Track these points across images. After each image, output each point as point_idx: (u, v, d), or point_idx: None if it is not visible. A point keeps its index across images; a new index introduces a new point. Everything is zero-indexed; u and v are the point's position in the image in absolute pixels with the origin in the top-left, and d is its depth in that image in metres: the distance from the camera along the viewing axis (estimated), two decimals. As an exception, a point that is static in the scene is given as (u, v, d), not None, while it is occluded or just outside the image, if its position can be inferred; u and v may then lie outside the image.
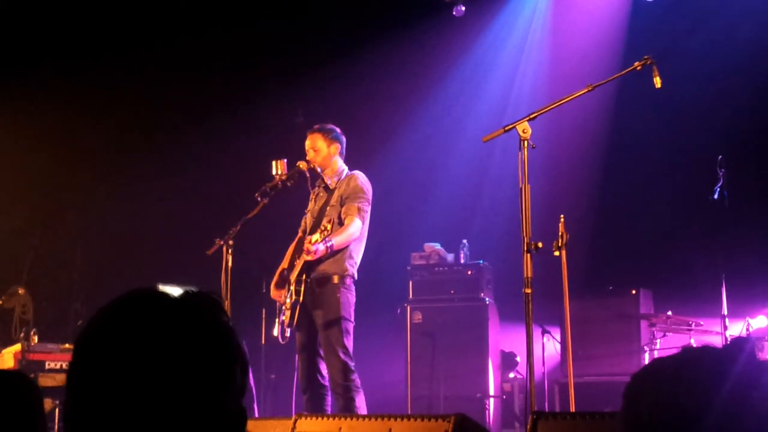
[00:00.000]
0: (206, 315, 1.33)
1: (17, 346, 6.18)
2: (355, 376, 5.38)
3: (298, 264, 5.49)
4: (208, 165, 8.32)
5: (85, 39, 8.09)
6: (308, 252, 5.28)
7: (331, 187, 5.68)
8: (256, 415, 6.32)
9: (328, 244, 5.33)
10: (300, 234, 5.84)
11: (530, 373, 4.17)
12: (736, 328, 5.98)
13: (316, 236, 5.30)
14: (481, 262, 7.33)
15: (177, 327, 1.30)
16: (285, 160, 5.66)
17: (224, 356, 1.32)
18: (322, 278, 5.46)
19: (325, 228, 5.25)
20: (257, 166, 6.07)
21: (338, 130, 5.78)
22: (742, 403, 1.40)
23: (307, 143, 5.74)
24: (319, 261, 5.45)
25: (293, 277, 5.48)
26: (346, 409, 5.26)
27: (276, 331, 5.53)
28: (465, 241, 7.51)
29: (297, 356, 5.58)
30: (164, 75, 8.15)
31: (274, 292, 5.61)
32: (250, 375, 6.57)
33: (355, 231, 5.48)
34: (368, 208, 5.59)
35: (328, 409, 5.40)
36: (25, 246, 7.83)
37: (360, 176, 5.66)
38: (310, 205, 5.79)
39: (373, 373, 6.66)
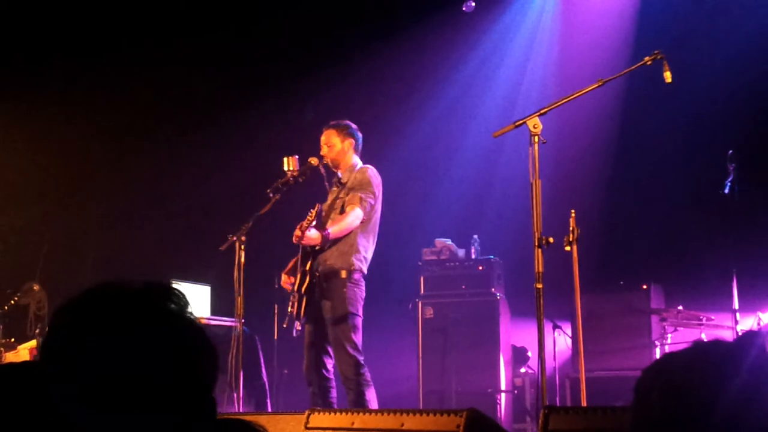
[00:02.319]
0: (165, 305, 1.34)
1: (32, 342, 6.24)
2: (365, 370, 5.39)
3: (301, 254, 5.51)
4: (220, 161, 8.34)
5: (93, 34, 8.11)
6: (297, 237, 5.30)
7: (344, 182, 5.70)
8: (269, 409, 6.36)
9: (325, 232, 5.34)
10: None
11: (542, 367, 4.18)
12: (747, 323, 5.97)
13: (305, 223, 5.32)
14: (492, 257, 7.34)
15: (136, 318, 1.31)
16: (296, 157, 5.69)
17: (183, 345, 1.32)
18: (329, 273, 5.48)
19: (331, 219, 5.24)
20: (269, 162, 6.10)
21: (354, 126, 5.80)
22: (753, 396, 1.40)
23: (322, 139, 5.76)
24: (327, 255, 5.47)
25: (302, 267, 5.50)
26: (357, 403, 5.28)
27: (286, 323, 5.56)
28: (476, 236, 7.53)
29: (304, 350, 5.60)
30: (174, 72, 8.17)
31: (284, 279, 5.64)
32: (263, 370, 6.62)
33: (354, 220, 5.48)
34: (373, 201, 5.59)
35: (333, 402, 5.42)
36: (38, 242, 7.89)
37: (370, 169, 5.68)
38: (328, 200, 5.79)
39: (384, 368, 6.69)
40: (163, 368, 1.30)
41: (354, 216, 5.48)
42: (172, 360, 1.31)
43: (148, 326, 1.31)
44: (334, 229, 5.41)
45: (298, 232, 5.33)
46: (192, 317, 1.37)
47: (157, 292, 1.36)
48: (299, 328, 5.48)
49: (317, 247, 5.49)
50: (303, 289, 5.44)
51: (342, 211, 5.53)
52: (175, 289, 1.38)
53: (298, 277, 5.47)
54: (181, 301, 1.37)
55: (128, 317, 1.31)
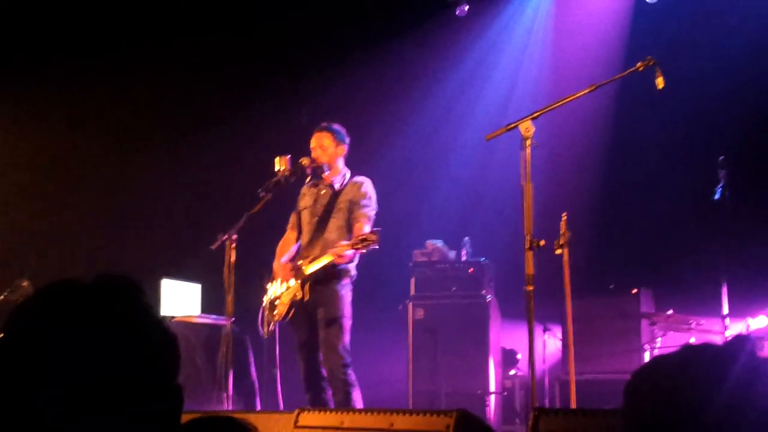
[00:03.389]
0: (121, 298, 1.33)
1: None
2: (352, 371, 5.43)
3: (310, 263, 5.50)
4: (213, 160, 8.34)
5: (91, 32, 8.10)
6: (341, 257, 5.29)
7: (336, 189, 5.71)
8: (258, 408, 6.36)
9: (353, 252, 5.34)
10: (290, 231, 5.86)
11: (531, 369, 4.20)
12: (736, 328, 6.00)
13: (345, 243, 5.30)
14: (483, 259, 7.35)
15: (91, 312, 1.30)
16: (288, 157, 5.70)
17: (141, 337, 1.31)
18: (323, 277, 5.50)
19: (365, 239, 5.20)
20: (261, 161, 6.10)
21: (344, 131, 5.81)
22: (743, 399, 1.41)
23: (314, 141, 5.76)
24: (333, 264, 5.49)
25: (302, 275, 5.51)
26: (345, 402, 5.31)
27: (270, 326, 5.58)
28: (467, 238, 7.54)
29: (298, 354, 5.62)
30: (168, 72, 8.17)
31: (281, 266, 5.64)
32: (252, 369, 6.62)
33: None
34: (373, 214, 5.66)
35: (328, 402, 5.44)
36: (28, 239, 7.87)
37: (368, 183, 5.74)
38: (307, 201, 5.79)
39: (374, 368, 6.70)
40: (116, 363, 1.28)
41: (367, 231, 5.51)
42: (126, 354, 1.29)
43: (98, 321, 1.29)
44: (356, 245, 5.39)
45: (341, 251, 5.28)
46: (148, 308, 1.35)
47: (110, 285, 1.34)
48: (272, 328, 5.53)
49: (312, 256, 5.51)
50: (300, 297, 5.47)
51: (348, 224, 5.54)
52: (131, 280, 1.36)
53: (297, 284, 5.49)
54: (137, 292, 1.35)
55: (78, 313, 1.29)
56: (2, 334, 1.33)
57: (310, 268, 5.51)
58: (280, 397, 5.83)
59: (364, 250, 5.27)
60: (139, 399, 1.29)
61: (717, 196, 5.90)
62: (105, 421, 1.26)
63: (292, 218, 5.91)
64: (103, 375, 1.26)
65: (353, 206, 5.63)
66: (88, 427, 1.25)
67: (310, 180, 5.80)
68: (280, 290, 5.64)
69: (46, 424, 1.24)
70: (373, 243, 5.14)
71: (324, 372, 5.51)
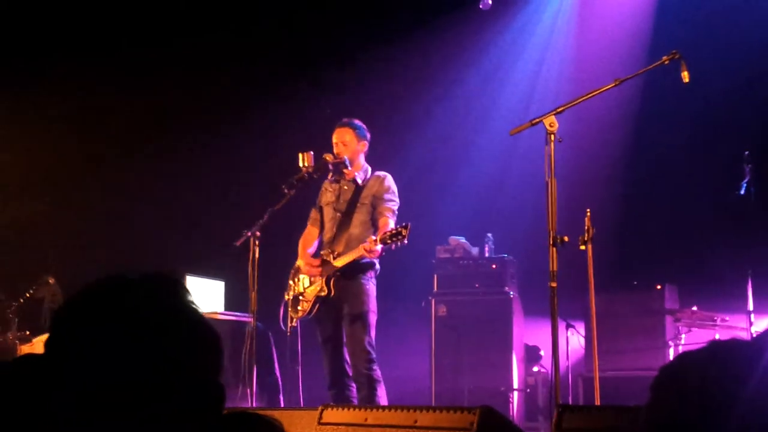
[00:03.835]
0: (165, 296, 1.35)
1: (47, 335, 6.28)
2: (377, 367, 5.43)
3: (339, 257, 5.52)
4: (236, 157, 8.36)
5: (101, 28, 8.15)
6: (371, 252, 5.30)
7: (358, 184, 5.71)
8: (282, 405, 6.38)
9: (384, 246, 5.35)
10: (311, 226, 5.86)
11: (555, 366, 4.18)
12: (761, 324, 5.95)
13: (374, 238, 5.31)
14: (506, 255, 7.33)
15: (135, 310, 1.32)
16: (312, 153, 5.71)
17: (185, 336, 1.33)
18: (348, 271, 5.51)
19: (398, 233, 5.21)
20: (284, 158, 6.11)
21: (365, 127, 5.82)
22: None
23: (336, 136, 5.77)
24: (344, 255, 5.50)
25: (331, 269, 5.52)
26: (369, 399, 5.31)
27: (294, 322, 5.60)
28: (490, 234, 7.52)
29: (322, 350, 5.63)
30: (192, 67, 8.20)
31: (307, 263, 5.65)
32: (276, 365, 6.64)
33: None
34: (396, 209, 5.66)
35: (353, 399, 5.45)
36: (52, 236, 7.92)
37: (390, 178, 5.76)
38: (329, 197, 5.80)
39: (397, 365, 6.69)
40: (165, 360, 1.30)
41: (392, 226, 5.51)
42: (174, 351, 1.32)
43: (149, 317, 1.32)
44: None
45: (373, 247, 5.29)
46: (193, 307, 1.38)
47: (158, 283, 1.37)
48: (295, 325, 5.54)
49: (336, 251, 5.52)
50: (326, 292, 5.48)
51: (373, 222, 5.54)
52: (176, 279, 1.39)
53: (322, 281, 5.50)
54: (182, 291, 1.37)
55: (128, 309, 1.32)
56: (50, 333, 1.36)
57: (339, 262, 5.52)
58: (302, 394, 5.85)
59: (393, 246, 5.28)
60: (181, 395, 1.31)
61: (742, 191, 5.84)
62: (147, 418, 1.28)
63: (313, 214, 5.91)
64: (147, 372, 1.28)
65: (377, 201, 5.64)
66: (134, 418, 1.27)
67: (331, 176, 5.81)
68: (303, 286, 5.66)
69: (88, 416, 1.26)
70: (404, 238, 5.15)
71: (348, 368, 5.51)
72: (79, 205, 8.19)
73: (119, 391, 1.27)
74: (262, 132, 8.30)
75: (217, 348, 1.39)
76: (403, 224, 5.28)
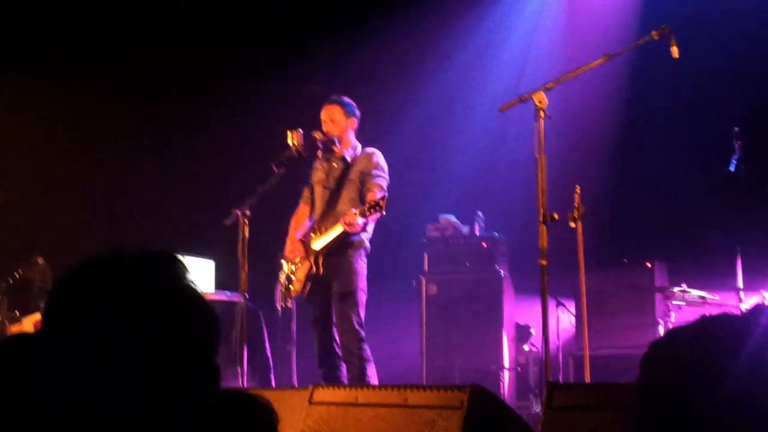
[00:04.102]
0: (165, 273, 1.35)
1: (37, 315, 6.26)
2: (367, 346, 5.43)
3: (321, 235, 5.51)
4: (225, 136, 8.32)
5: (92, 13, 8.10)
6: (351, 225, 5.27)
7: (348, 161, 5.69)
8: (273, 384, 6.38)
9: (364, 220, 5.33)
10: (303, 205, 5.85)
11: (546, 344, 4.18)
12: (751, 301, 5.96)
13: (356, 211, 5.28)
14: (496, 233, 7.32)
15: (135, 285, 1.31)
16: (300, 131, 5.68)
17: (184, 312, 1.33)
18: (336, 250, 5.49)
19: (376, 203, 5.20)
20: (273, 136, 6.08)
21: (354, 104, 5.79)
22: (761, 371, 1.39)
23: (324, 114, 5.74)
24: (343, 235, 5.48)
25: (316, 248, 5.51)
26: (359, 378, 5.32)
27: (286, 302, 5.58)
28: (480, 212, 7.50)
29: (312, 329, 5.62)
30: (175, 46, 8.14)
31: (292, 248, 5.64)
32: (267, 345, 6.63)
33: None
34: (386, 184, 5.63)
35: (343, 379, 5.45)
36: (37, 216, 7.89)
37: (379, 154, 5.72)
38: (320, 175, 5.78)
39: (388, 344, 6.69)
40: (163, 336, 1.30)
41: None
42: (172, 327, 1.31)
43: (148, 294, 1.32)
44: (373, 216, 5.39)
45: (353, 220, 5.26)
46: (192, 285, 1.37)
47: (156, 260, 1.37)
48: (290, 305, 5.53)
49: (323, 228, 5.50)
50: (315, 270, 5.47)
51: (361, 199, 5.50)
52: (175, 256, 1.39)
53: (311, 259, 5.49)
54: (182, 268, 1.37)
55: (127, 285, 1.32)
56: (47, 306, 1.34)
57: (317, 243, 5.50)
58: (295, 373, 5.85)
59: (372, 218, 5.26)
60: (178, 375, 1.30)
61: (732, 168, 5.84)
62: (143, 393, 1.28)
63: (305, 193, 5.90)
64: (146, 347, 1.28)
65: (365, 177, 5.61)
66: (127, 397, 1.27)
67: (322, 154, 5.79)
68: (295, 266, 5.64)
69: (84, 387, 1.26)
70: (382, 209, 5.13)
71: (337, 347, 5.51)
72: (67, 186, 8.14)
73: (115, 369, 1.27)
74: (251, 110, 8.26)
75: (215, 328, 1.39)
76: (381, 196, 5.26)
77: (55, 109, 8.26)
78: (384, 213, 5.18)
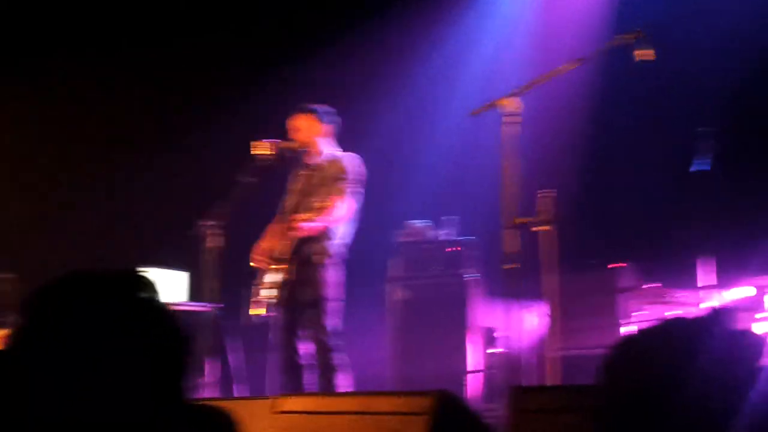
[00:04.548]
0: (137, 293, 1.37)
1: (8, 330, 6.17)
2: (336, 355, 5.40)
3: (288, 243, 5.48)
4: (193, 147, 8.26)
5: (76, 20, 8.05)
6: (294, 229, 5.29)
7: (314, 168, 5.67)
8: (236, 394, 6.32)
9: (313, 225, 5.34)
10: (278, 215, 5.82)
11: (512, 347, 4.19)
12: (711, 300, 6.02)
13: (302, 215, 5.31)
14: (466, 237, 7.31)
15: (109, 306, 1.33)
16: (267, 141, 5.65)
17: (156, 332, 1.36)
18: (304, 259, 5.47)
19: (314, 207, 5.25)
20: (239, 147, 6.03)
21: (324, 110, 5.76)
22: (719, 372, 1.41)
23: (293, 123, 5.72)
24: (302, 243, 5.45)
25: (284, 255, 5.48)
26: (327, 387, 5.29)
27: (253, 310, 5.54)
28: (449, 217, 7.48)
29: (274, 335, 5.59)
30: (150, 58, 8.11)
31: (258, 258, 5.60)
32: (239, 356, 6.57)
33: (339, 212, 5.49)
34: (354, 189, 5.59)
35: (307, 387, 5.41)
36: (8, 230, 7.79)
37: (345, 158, 5.67)
38: (293, 185, 5.77)
39: (358, 351, 6.66)
40: (136, 356, 1.32)
41: (338, 209, 5.49)
42: (145, 347, 1.33)
43: (121, 314, 1.33)
44: (322, 221, 5.41)
45: (296, 225, 5.31)
46: (163, 304, 1.40)
47: (128, 280, 1.38)
48: (269, 314, 5.48)
49: (301, 235, 5.48)
50: (286, 277, 5.44)
51: (322, 201, 5.49)
52: (146, 277, 1.41)
53: (286, 266, 5.45)
54: (152, 288, 1.40)
55: (99, 305, 1.33)
56: (20, 322, 1.36)
57: (282, 253, 5.47)
58: (267, 383, 5.81)
59: (326, 223, 5.26)
60: (151, 393, 1.33)
61: (693, 168, 5.90)
62: (116, 412, 1.29)
63: (284, 202, 5.87)
64: (119, 366, 1.30)
65: (328, 182, 5.58)
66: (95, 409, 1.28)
67: (294, 163, 5.77)
68: (268, 274, 5.59)
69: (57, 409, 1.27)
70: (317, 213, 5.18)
71: (297, 358, 5.47)
72: (35, 202, 8.06)
73: (86, 387, 1.28)
74: (224, 121, 8.21)
75: (186, 344, 1.42)
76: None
77: (24, 124, 8.17)
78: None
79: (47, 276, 1.38)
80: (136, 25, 8.11)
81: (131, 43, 8.10)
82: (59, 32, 8.02)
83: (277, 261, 5.49)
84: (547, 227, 4.48)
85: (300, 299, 5.48)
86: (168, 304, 1.41)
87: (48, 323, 1.32)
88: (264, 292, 5.53)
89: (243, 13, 8.26)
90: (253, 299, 5.59)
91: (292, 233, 5.38)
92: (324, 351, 5.38)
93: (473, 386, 6.97)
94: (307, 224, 5.34)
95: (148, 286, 1.40)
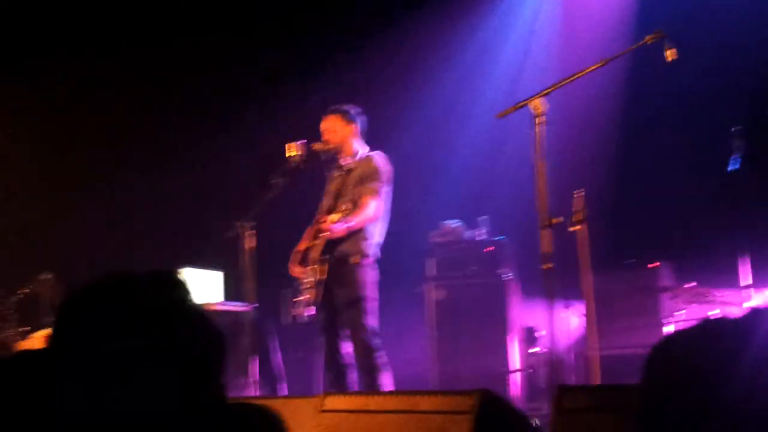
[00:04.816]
0: (170, 294, 1.38)
1: (47, 331, 6.29)
2: (379, 354, 5.43)
3: (320, 243, 5.54)
4: (227, 149, 8.35)
5: (83, 20, 8.13)
6: (325, 230, 5.34)
7: (347, 168, 5.71)
8: (285, 393, 6.39)
9: (346, 225, 5.38)
10: (319, 216, 5.88)
11: (554, 347, 4.21)
12: (757, 299, 5.97)
13: (333, 216, 5.36)
14: (502, 237, 7.33)
15: (142, 308, 1.35)
16: (300, 143, 5.70)
17: (190, 333, 1.37)
18: (340, 259, 5.51)
19: (346, 209, 5.30)
20: (275, 149, 6.11)
21: (355, 110, 5.80)
22: (762, 373, 1.41)
23: (323, 125, 5.77)
24: (338, 242, 5.50)
25: (316, 256, 5.54)
26: (370, 386, 5.33)
27: (297, 310, 5.60)
28: (484, 217, 7.50)
29: (320, 336, 5.65)
30: (180, 56, 8.19)
31: (296, 269, 5.67)
32: (278, 355, 6.65)
33: (370, 211, 5.52)
34: (385, 189, 5.62)
35: (350, 386, 5.46)
36: (51, 233, 7.92)
37: (376, 157, 5.69)
38: (328, 186, 5.82)
39: (396, 351, 6.71)
40: (170, 357, 1.33)
41: (371, 209, 5.52)
42: (179, 349, 1.34)
43: (155, 316, 1.35)
44: (355, 221, 5.45)
45: (327, 226, 5.36)
46: (197, 305, 1.41)
47: (161, 281, 1.40)
48: (312, 313, 5.52)
49: (333, 236, 5.53)
50: (319, 277, 5.49)
51: (354, 201, 5.53)
52: (179, 277, 1.42)
53: (316, 267, 5.51)
54: (185, 289, 1.41)
55: (134, 307, 1.35)
56: (55, 325, 1.38)
57: (317, 254, 5.52)
58: (321, 383, 5.85)
59: (359, 223, 5.31)
60: (185, 394, 1.34)
61: (730, 167, 5.86)
62: (150, 413, 1.30)
63: (322, 204, 5.92)
64: (153, 368, 1.31)
65: (361, 182, 5.62)
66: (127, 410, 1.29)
67: (328, 165, 5.82)
68: (307, 276, 5.65)
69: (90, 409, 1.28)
70: (348, 213, 5.25)
71: (340, 358, 5.52)
72: (76, 203, 8.16)
73: (123, 386, 1.30)
74: (256, 121, 8.28)
75: (220, 345, 1.43)
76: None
77: (61, 124, 8.28)
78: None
79: (84, 277, 1.40)
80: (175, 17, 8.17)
81: (174, 34, 8.15)
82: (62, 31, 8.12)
83: (314, 262, 5.55)
84: (582, 226, 4.48)
85: (338, 299, 5.52)
86: (203, 304, 1.43)
87: (82, 325, 1.34)
88: (303, 293, 5.60)
89: (274, 11, 8.32)
90: (293, 299, 5.66)
91: (324, 234, 5.43)
92: (367, 351, 5.42)
93: (514, 386, 6.99)
94: (339, 225, 5.38)
95: (181, 286, 1.41)
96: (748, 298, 5.86)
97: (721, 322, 1.54)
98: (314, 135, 5.82)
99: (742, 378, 1.40)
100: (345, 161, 5.74)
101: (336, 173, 5.78)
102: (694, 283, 6.39)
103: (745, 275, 5.90)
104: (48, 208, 8.06)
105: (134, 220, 8.29)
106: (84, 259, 7.42)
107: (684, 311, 6.41)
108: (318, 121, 5.86)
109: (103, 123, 8.32)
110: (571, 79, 4.63)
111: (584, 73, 4.63)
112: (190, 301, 1.40)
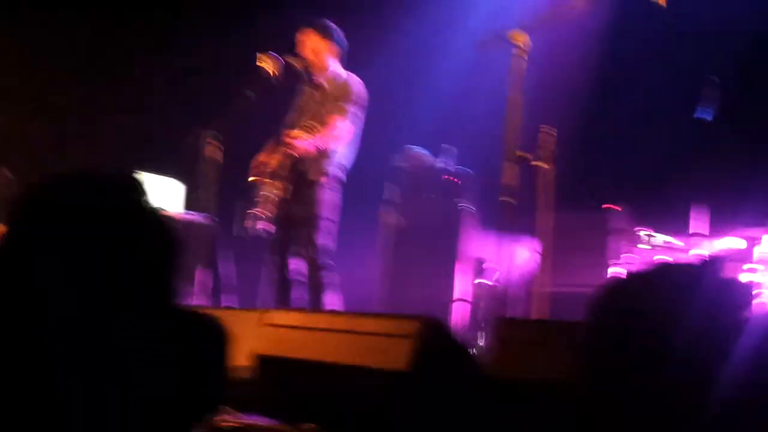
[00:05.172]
0: (130, 195, 1.39)
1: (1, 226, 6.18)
2: (327, 273, 5.44)
3: (282, 159, 5.46)
4: (194, 58, 8.15)
5: None
6: (289, 145, 5.26)
7: (320, 86, 5.61)
8: (223, 305, 6.38)
9: (311, 142, 5.31)
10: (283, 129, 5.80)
11: (500, 280, 4.22)
12: (704, 248, 6.05)
13: (295, 132, 5.28)
14: (464, 168, 7.30)
15: (102, 206, 1.35)
16: (273, 54, 5.57)
17: (146, 235, 1.38)
18: (302, 177, 5.45)
19: (310, 125, 5.21)
20: (246, 60, 5.95)
21: (334, 27, 5.67)
22: (712, 321, 1.41)
23: (301, 38, 5.63)
24: (301, 160, 5.43)
25: (277, 171, 5.47)
26: (316, 304, 5.35)
27: (250, 223, 5.54)
28: (449, 146, 7.45)
29: (270, 250, 5.62)
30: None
31: (255, 173, 5.59)
32: (232, 267, 6.61)
33: (337, 131, 5.45)
34: (357, 111, 5.54)
35: (295, 303, 5.47)
36: (4, 128, 7.76)
37: (351, 79, 5.60)
38: (298, 101, 5.72)
39: (348, 273, 6.71)
40: (123, 256, 1.33)
41: (339, 128, 5.44)
42: (133, 248, 1.34)
43: (111, 214, 1.34)
44: (322, 140, 5.37)
45: (291, 141, 5.28)
46: (153, 207, 1.41)
47: (118, 181, 1.39)
48: (268, 228, 5.47)
49: (296, 153, 5.44)
50: (279, 193, 5.42)
51: (321, 120, 5.44)
52: (137, 179, 1.42)
53: (278, 182, 5.43)
54: (142, 190, 1.41)
55: (91, 205, 1.34)
56: (8, 228, 1.38)
57: (280, 169, 5.44)
58: (259, 297, 5.86)
59: (323, 144, 5.25)
60: (140, 295, 1.35)
61: (699, 115, 5.87)
62: (105, 313, 1.31)
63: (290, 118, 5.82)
64: (111, 267, 1.32)
65: (333, 101, 5.53)
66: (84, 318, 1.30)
67: (302, 80, 5.71)
68: (264, 190, 5.58)
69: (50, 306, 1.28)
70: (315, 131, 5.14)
71: (291, 270, 5.51)
72: (37, 104, 8.00)
73: (73, 282, 1.29)
74: (224, 27, 8.08)
75: (173, 249, 1.44)
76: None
77: (23, 30, 8.03)
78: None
79: (40, 175, 1.38)
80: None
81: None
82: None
83: (274, 177, 5.47)
84: (547, 164, 4.46)
85: (294, 216, 5.48)
86: (161, 209, 1.42)
87: (37, 222, 1.33)
88: (259, 207, 5.54)
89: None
90: (248, 212, 5.60)
91: (287, 150, 5.35)
92: (314, 269, 5.42)
93: (459, 315, 7.05)
94: (302, 142, 5.30)
95: (138, 187, 1.40)
96: (696, 247, 5.94)
97: (669, 268, 1.54)
98: (291, 48, 5.68)
99: (687, 324, 1.40)
100: (317, 78, 5.63)
101: (306, 88, 5.68)
102: (645, 228, 6.45)
103: (696, 224, 5.97)
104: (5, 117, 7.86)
105: (97, 124, 8.12)
106: (42, 158, 7.29)
107: (633, 255, 6.47)
108: (292, 32, 5.71)
109: (61, 31, 8.05)
110: (554, 15, 4.56)
111: (568, 8, 4.55)
112: (146, 202, 1.40)
